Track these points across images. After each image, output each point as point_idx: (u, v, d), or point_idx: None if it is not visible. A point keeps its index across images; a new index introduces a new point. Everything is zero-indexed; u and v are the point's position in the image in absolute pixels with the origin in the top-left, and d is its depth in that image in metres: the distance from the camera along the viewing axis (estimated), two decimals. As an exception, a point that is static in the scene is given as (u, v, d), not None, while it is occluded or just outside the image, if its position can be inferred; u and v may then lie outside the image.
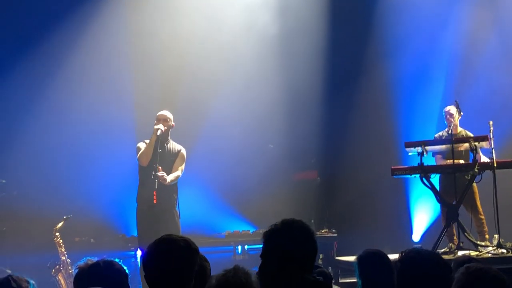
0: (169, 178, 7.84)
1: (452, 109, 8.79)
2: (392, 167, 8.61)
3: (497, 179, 8.04)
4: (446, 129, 8.73)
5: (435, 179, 8.46)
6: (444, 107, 9.00)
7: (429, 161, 8.32)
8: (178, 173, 8.04)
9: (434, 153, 8.59)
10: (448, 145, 8.24)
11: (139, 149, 7.98)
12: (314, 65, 11.15)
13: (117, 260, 3.58)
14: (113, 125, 10.34)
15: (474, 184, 8.48)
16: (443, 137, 8.66)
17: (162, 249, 3.05)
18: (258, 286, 2.41)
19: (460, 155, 8.46)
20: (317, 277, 3.16)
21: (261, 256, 3.14)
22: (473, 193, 8.55)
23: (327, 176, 11.28)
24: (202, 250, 3.98)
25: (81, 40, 10.54)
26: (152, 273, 3.04)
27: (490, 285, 2.53)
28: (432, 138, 8.79)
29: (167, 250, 3.03)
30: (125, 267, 3.55)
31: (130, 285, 3.57)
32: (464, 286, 2.54)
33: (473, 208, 8.59)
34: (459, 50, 11.10)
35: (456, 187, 8.15)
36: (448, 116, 8.73)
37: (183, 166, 8.12)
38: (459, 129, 8.82)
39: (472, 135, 8.43)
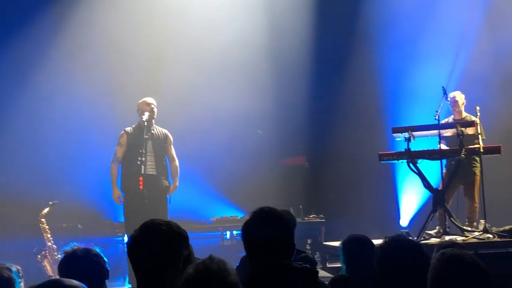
0: (177, 180, 8.30)
1: (458, 95, 8.85)
2: (380, 153, 8.61)
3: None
4: (452, 116, 8.84)
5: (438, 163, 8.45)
6: (430, 92, 9.04)
7: (416, 146, 8.32)
8: (177, 163, 8.36)
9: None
10: (454, 131, 8.22)
11: (119, 141, 8.18)
12: (302, 52, 11.14)
13: (97, 248, 3.57)
14: (100, 111, 10.32)
15: (478, 173, 8.52)
16: (449, 123, 8.69)
17: (145, 235, 3.02)
18: (235, 273, 2.39)
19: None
20: (298, 263, 3.15)
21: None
22: (474, 180, 8.60)
23: (315, 162, 11.29)
24: (190, 236, 3.96)
25: (66, 27, 10.51)
26: (137, 259, 3.02)
27: (466, 271, 2.51)
28: (420, 124, 8.77)
29: (150, 235, 3.00)
30: (102, 255, 3.54)
31: (117, 271, 3.56)
32: (439, 272, 2.53)
33: (470, 195, 8.66)
34: (446, 34, 11.08)
35: (456, 172, 8.23)
36: (452, 103, 8.77)
37: (174, 150, 8.35)
38: (464, 114, 8.86)
39: (476, 119, 8.41)
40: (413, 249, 3.04)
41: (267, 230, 3.02)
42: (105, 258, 3.53)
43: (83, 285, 2.29)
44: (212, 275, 2.32)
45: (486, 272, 2.52)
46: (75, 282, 2.19)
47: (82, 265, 3.31)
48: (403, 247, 3.04)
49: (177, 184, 8.30)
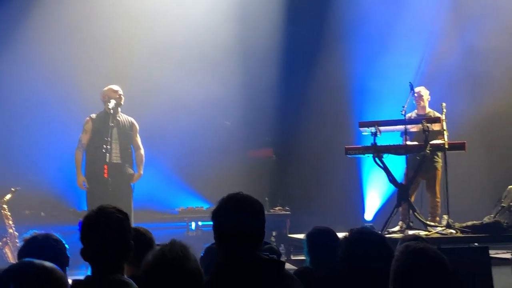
0: (142, 169, 8.22)
1: (422, 90, 8.93)
2: (346, 147, 8.70)
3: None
4: (415, 110, 8.89)
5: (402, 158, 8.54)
6: (397, 87, 9.12)
7: (382, 141, 8.39)
8: (142, 152, 8.30)
9: (402, 134, 8.54)
10: (420, 127, 8.29)
11: (84, 128, 8.09)
12: (271, 44, 11.14)
13: (58, 235, 3.53)
14: (64, 97, 10.18)
15: (439, 168, 8.64)
16: (412, 118, 8.76)
17: (94, 221, 2.99)
18: (196, 258, 2.37)
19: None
20: (265, 253, 3.14)
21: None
22: (435, 176, 8.71)
23: (282, 154, 11.31)
24: (155, 226, 3.95)
25: (32, 13, 10.34)
26: (86, 246, 2.98)
27: (429, 264, 2.53)
28: (387, 119, 8.83)
29: (99, 222, 2.97)
30: (63, 242, 3.51)
31: (80, 259, 3.52)
32: (402, 265, 2.55)
33: (432, 190, 8.77)
34: (414, 31, 11.18)
35: (419, 167, 8.35)
36: (417, 97, 8.85)
37: (139, 139, 8.30)
38: (428, 109, 8.96)
39: (441, 116, 8.49)
40: (378, 241, 3.06)
41: (241, 217, 2.98)
42: (66, 245, 3.49)
43: (56, 266, 2.25)
44: (169, 261, 2.30)
45: (449, 267, 2.55)
46: (47, 263, 2.15)
47: (42, 251, 3.29)
48: (368, 240, 3.05)
49: (142, 172, 8.24)
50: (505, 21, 10.77)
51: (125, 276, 3.03)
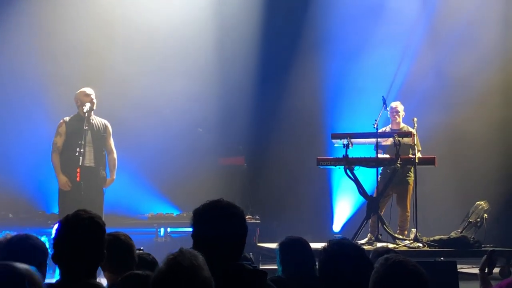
0: (114, 173, 8.19)
1: (399, 105, 9.03)
2: (318, 157, 8.76)
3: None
4: (390, 125, 8.99)
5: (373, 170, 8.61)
6: (370, 101, 9.22)
7: (353, 153, 8.47)
8: (115, 155, 8.25)
9: (375, 147, 8.60)
10: (392, 140, 8.38)
11: (58, 131, 7.98)
12: (246, 54, 11.16)
13: (37, 236, 3.52)
14: (35, 101, 10.09)
15: (411, 182, 8.73)
16: (386, 132, 8.87)
17: (67, 227, 2.99)
18: (207, 267, 2.35)
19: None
20: (247, 262, 3.14)
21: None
22: (406, 190, 8.81)
23: (253, 163, 11.33)
24: (124, 231, 3.92)
25: (5, 14, 10.26)
26: (58, 252, 2.98)
27: (408, 278, 2.55)
28: (359, 131, 8.91)
29: (73, 227, 2.97)
30: (45, 242, 3.49)
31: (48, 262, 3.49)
32: (382, 277, 2.57)
33: (402, 204, 8.86)
34: (389, 46, 11.31)
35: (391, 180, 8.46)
36: (394, 113, 8.94)
37: (113, 142, 8.26)
38: (402, 124, 9.06)
39: (413, 130, 8.60)
40: (358, 253, 3.08)
41: (222, 224, 2.92)
42: (47, 246, 3.48)
43: (32, 267, 2.22)
44: (184, 270, 2.29)
45: (427, 280, 2.58)
46: (26, 266, 2.11)
47: (22, 253, 3.27)
48: (346, 251, 3.06)
49: (114, 177, 8.19)
50: (477, 50, 10.98)
51: (102, 283, 3.03)
